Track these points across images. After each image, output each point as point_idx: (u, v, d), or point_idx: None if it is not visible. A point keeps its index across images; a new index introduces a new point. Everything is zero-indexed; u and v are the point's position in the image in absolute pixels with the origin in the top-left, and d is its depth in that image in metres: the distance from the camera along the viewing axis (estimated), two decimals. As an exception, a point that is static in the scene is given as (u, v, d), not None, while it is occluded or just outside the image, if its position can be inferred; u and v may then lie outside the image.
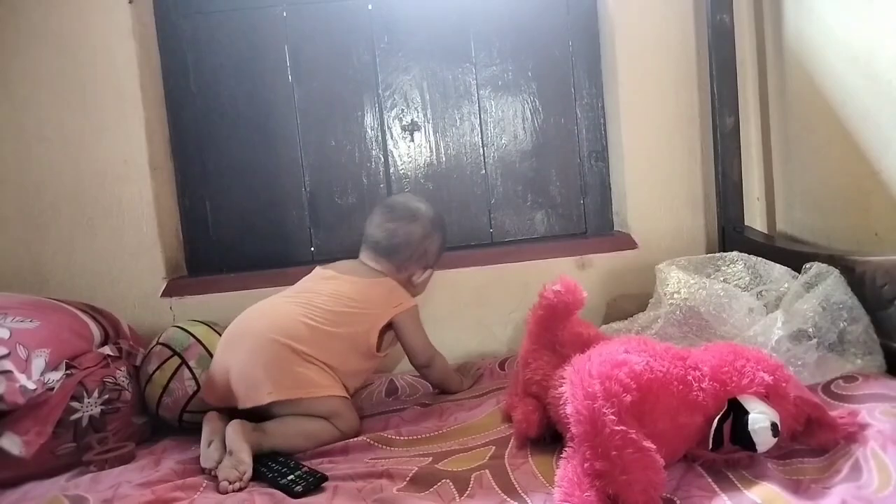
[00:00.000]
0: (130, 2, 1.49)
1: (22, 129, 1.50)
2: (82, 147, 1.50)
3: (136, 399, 1.23)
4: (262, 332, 1.16)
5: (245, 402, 1.12)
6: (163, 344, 1.26)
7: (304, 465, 1.01)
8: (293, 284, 1.32)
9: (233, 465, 1.00)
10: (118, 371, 1.21)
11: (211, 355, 1.23)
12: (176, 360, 1.24)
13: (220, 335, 1.27)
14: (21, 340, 1.09)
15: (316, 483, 0.95)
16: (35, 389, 1.05)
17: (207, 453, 1.06)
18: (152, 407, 1.25)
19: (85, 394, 1.13)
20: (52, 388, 1.08)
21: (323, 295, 1.22)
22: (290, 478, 0.97)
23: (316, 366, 1.16)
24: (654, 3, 1.53)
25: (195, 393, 1.22)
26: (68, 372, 1.12)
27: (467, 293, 1.55)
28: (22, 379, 1.04)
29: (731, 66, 1.48)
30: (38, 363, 1.08)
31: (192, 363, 1.24)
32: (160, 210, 1.54)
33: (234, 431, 1.05)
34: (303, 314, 1.18)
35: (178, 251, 1.62)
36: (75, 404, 1.11)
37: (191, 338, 1.27)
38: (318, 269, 1.32)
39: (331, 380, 1.17)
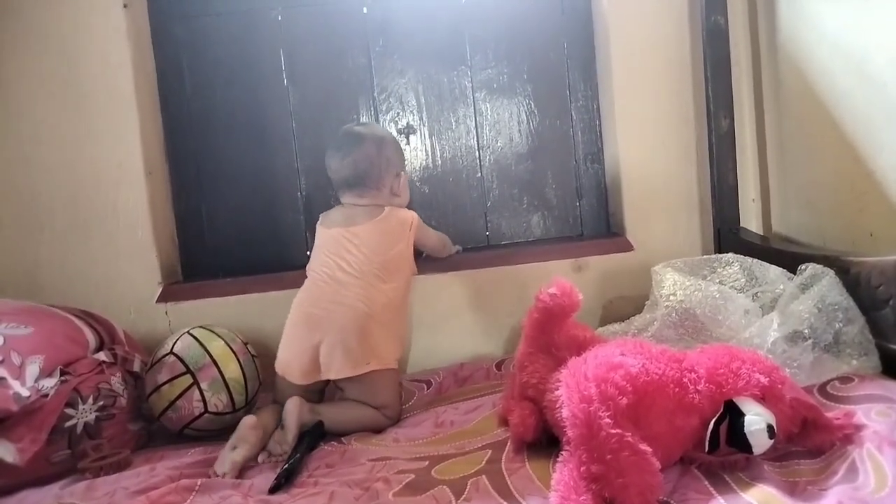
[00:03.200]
0: (125, 6, 1.49)
1: (17, 132, 1.50)
2: (77, 151, 1.50)
3: (132, 405, 1.23)
4: (350, 305, 1.26)
5: (342, 373, 1.23)
6: (177, 356, 1.23)
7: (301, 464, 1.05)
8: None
9: (278, 441, 1.13)
10: (113, 377, 1.20)
11: (224, 380, 1.23)
12: (188, 379, 1.21)
13: (235, 352, 1.27)
14: (15, 347, 1.09)
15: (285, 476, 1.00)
16: (29, 396, 1.04)
17: (227, 456, 1.08)
18: (154, 414, 1.24)
19: (80, 400, 1.12)
20: (46, 395, 1.07)
21: (360, 255, 1.30)
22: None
23: (389, 331, 1.30)
24: (648, 5, 1.54)
25: (201, 414, 1.21)
26: (63, 378, 1.11)
27: (464, 296, 1.55)
28: (16, 386, 1.03)
29: (726, 68, 1.48)
30: (33, 370, 1.08)
31: (203, 385, 1.21)
32: (155, 214, 1.53)
33: (293, 410, 1.15)
34: (369, 280, 1.29)
35: (173, 256, 1.62)
36: (70, 411, 1.11)
37: (206, 356, 1.24)
38: (326, 234, 1.37)
39: (398, 345, 1.35)
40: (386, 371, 1.27)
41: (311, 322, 1.28)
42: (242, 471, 1.08)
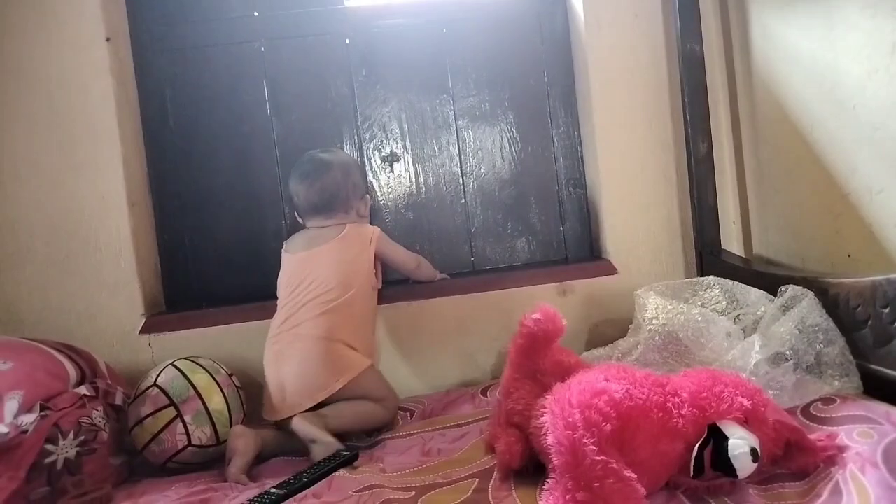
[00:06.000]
0: (108, 39, 1.50)
1: (-3, 167, 1.49)
2: (59, 184, 1.49)
3: (114, 439, 1.21)
4: (309, 334, 1.28)
5: (316, 398, 1.25)
6: (160, 388, 1.22)
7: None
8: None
9: (327, 450, 1.15)
10: (94, 411, 1.18)
11: (208, 412, 1.22)
12: (171, 412, 1.20)
13: (219, 384, 1.26)
14: (-6, 383, 1.07)
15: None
16: (8, 433, 1.02)
17: (229, 472, 1.13)
18: (137, 447, 1.22)
19: (60, 436, 1.10)
20: (25, 431, 1.05)
21: (322, 276, 1.33)
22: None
23: (354, 346, 1.32)
24: (625, 34, 1.57)
25: (185, 447, 1.20)
26: (43, 413, 1.09)
27: (450, 322, 1.55)
28: (-6, 423, 1.01)
29: (703, 94, 1.51)
30: (11, 406, 1.06)
31: (187, 418, 1.20)
32: (138, 246, 1.53)
33: (304, 424, 1.18)
34: (323, 303, 1.30)
35: (156, 287, 1.61)
36: (50, 447, 1.08)
37: (190, 389, 1.22)
38: (290, 260, 1.40)
39: (369, 354, 1.36)
40: (364, 373, 1.29)
41: (278, 359, 1.30)
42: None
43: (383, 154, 1.70)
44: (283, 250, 1.44)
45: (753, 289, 1.23)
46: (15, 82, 1.48)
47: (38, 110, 1.49)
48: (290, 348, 1.29)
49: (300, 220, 1.48)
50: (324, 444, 1.17)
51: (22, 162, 1.49)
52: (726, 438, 0.84)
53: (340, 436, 1.21)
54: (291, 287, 1.35)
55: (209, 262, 1.66)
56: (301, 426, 1.19)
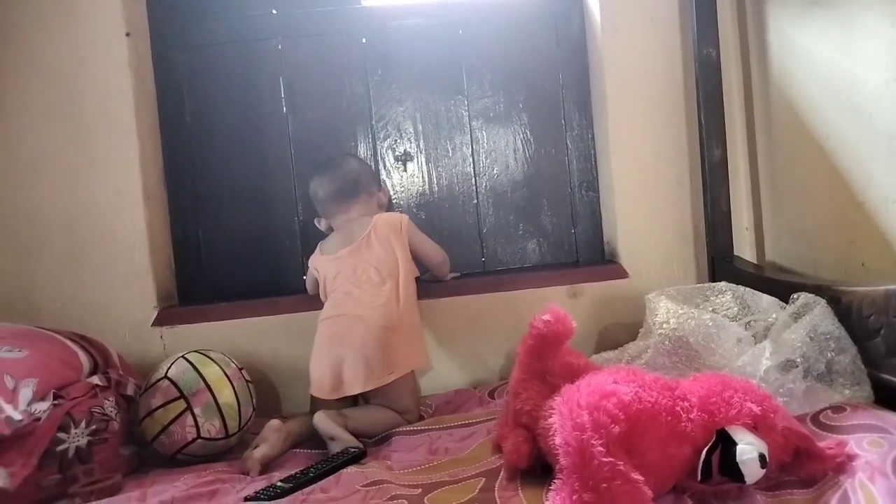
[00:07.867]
0: (128, 35, 1.51)
1: (15, 159, 1.51)
2: (76, 177, 1.51)
3: (125, 429, 1.22)
4: (367, 320, 1.31)
5: (367, 385, 1.29)
6: (171, 380, 1.22)
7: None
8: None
9: (345, 448, 1.18)
10: (106, 401, 1.20)
11: (218, 406, 1.23)
12: (182, 404, 1.21)
13: (229, 378, 1.27)
14: (9, 370, 1.08)
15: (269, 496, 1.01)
16: (21, 420, 1.04)
17: (249, 455, 1.16)
18: (146, 438, 1.23)
19: (72, 424, 1.12)
20: (38, 419, 1.07)
21: (366, 269, 1.38)
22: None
23: (407, 337, 1.36)
24: (641, 38, 1.57)
25: (194, 440, 1.21)
26: (56, 402, 1.11)
27: (459, 322, 1.55)
28: (8, 409, 1.03)
29: (718, 99, 1.51)
30: (26, 393, 1.07)
31: (197, 410, 1.21)
32: (153, 239, 1.54)
33: (326, 422, 1.21)
34: (377, 293, 1.35)
35: (170, 280, 1.62)
36: (62, 435, 1.10)
37: (201, 382, 1.23)
38: (329, 260, 1.42)
39: (420, 346, 1.43)
40: (405, 377, 1.34)
41: (334, 340, 1.33)
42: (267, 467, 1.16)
43: (397, 153, 1.70)
44: (317, 253, 1.46)
45: (765, 295, 1.23)
46: (34, 76, 1.50)
47: (57, 104, 1.51)
48: (351, 331, 1.31)
49: (320, 226, 1.51)
50: (342, 441, 1.20)
51: (40, 155, 1.51)
52: (735, 444, 0.84)
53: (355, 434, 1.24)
54: (342, 278, 1.38)
55: (222, 256, 1.67)
56: (322, 423, 1.21)
